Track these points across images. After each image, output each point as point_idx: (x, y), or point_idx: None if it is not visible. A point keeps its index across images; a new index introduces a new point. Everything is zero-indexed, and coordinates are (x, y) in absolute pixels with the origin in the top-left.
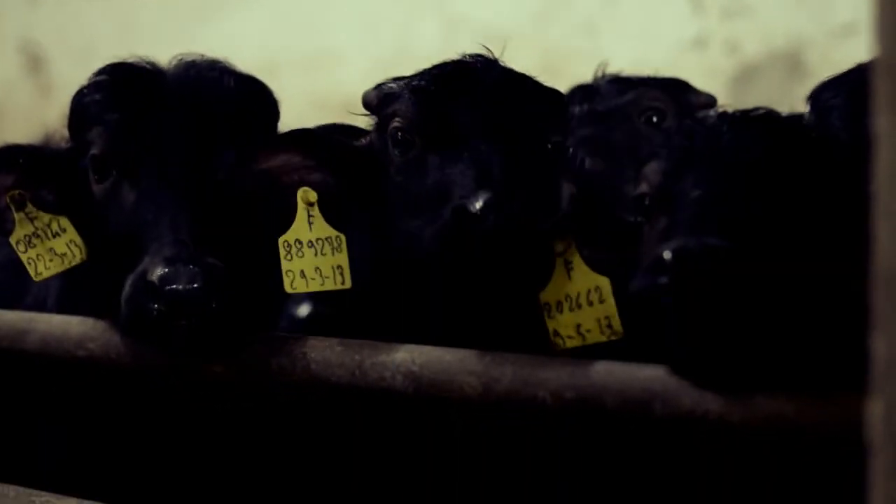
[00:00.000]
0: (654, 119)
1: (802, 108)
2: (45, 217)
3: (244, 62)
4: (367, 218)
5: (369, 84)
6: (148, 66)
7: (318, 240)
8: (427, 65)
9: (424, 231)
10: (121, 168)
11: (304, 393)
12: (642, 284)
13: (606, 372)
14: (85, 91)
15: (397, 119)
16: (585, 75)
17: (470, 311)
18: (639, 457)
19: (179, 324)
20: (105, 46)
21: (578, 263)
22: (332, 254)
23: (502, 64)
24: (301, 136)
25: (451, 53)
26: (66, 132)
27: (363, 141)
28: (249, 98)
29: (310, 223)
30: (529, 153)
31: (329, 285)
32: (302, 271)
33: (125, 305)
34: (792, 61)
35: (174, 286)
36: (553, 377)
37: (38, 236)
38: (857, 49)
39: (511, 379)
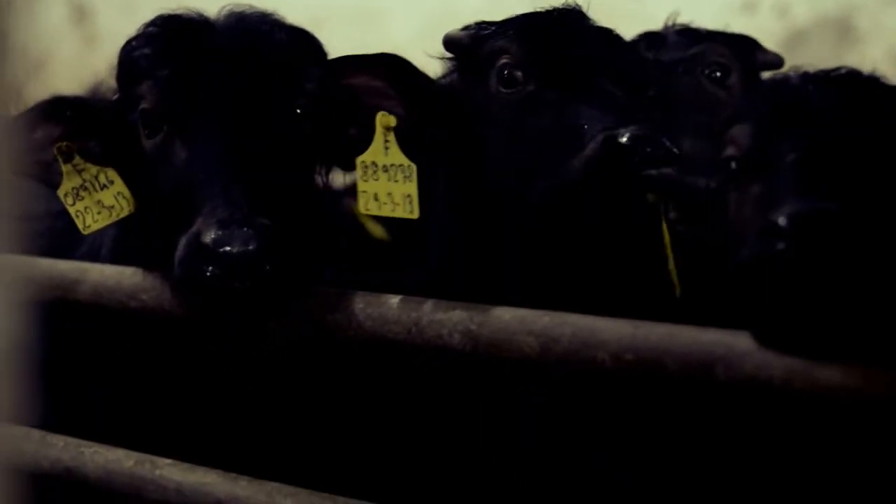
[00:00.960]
0: (718, 75)
1: None
2: (93, 169)
3: (289, 15)
4: (447, 156)
5: (415, 41)
6: (198, 17)
7: (392, 165)
8: (475, 20)
9: (550, 169)
10: (172, 123)
11: (360, 349)
12: (755, 252)
13: (668, 334)
14: (134, 43)
15: (506, 56)
16: (633, 34)
17: (587, 259)
18: (699, 424)
19: (234, 286)
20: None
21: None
22: (404, 182)
23: (588, 16)
24: (387, 61)
25: (498, 10)
26: (112, 83)
27: (444, 79)
28: (301, 51)
29: (385, 147)
30: (637, 99)
31: (399, 212)
32: (375, 194)
33: (179, 267)
34: (842, 26)
35: (228, 249)
36: (613, 339)
37: (85, 188)
38: None
39: (570, 340)
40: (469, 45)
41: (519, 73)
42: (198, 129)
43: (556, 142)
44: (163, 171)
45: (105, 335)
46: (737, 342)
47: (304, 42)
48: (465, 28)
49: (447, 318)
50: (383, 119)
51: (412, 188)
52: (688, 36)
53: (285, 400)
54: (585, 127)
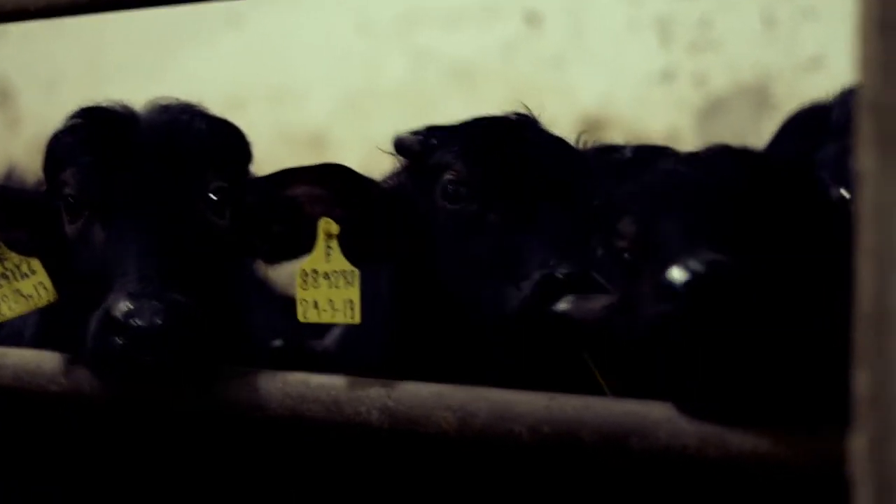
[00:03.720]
0: None
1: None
2: (16, 258)
3: (211, 97)
4: (393, 258)
5: (336, 117)
6: (121, 109)
7: (333, 272)
8: (394, 99)
9: (488, 294)
10: (92, 209)
11: (279, 428)
12: (648, 315)
13: (583, 406)
14: (59, 134)
15: (451, 172)
16: (553, 107)
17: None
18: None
19: (143, 359)
20: (72, 80)
21: None
22: (346, 287)
23: (540, 124)
24: (328, 170)
25: (419, 87)
26: (31, 165)
27: (390, 181)
28: (222, 140)
29: (327, 254)
30: (575, 217)
31: (339, 318)
32: (316, 302)
33: (91, 341)
34: (759, 94)
35: (137, 321)
36: (529, 412)
37: (5, 277)
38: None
39: (487, 414)
40: (418, 152)
41: (463, 191)
42: (115, 213)
43: (495, 268)
44: (83, 254)
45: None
46: (650, 412)
47: (224, 130)
48: (416, 133)
49: (365, 395)
50: (326, 226)
51: (354, 293)
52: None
53: (206, 481)
54: (523, 259)
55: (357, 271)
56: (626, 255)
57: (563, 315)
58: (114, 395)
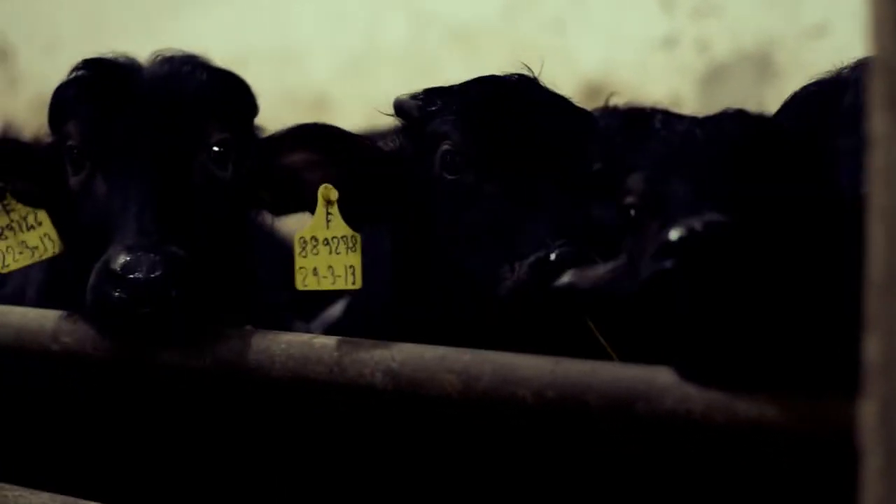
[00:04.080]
0: None
1: (773, 108)
2: (23, 210)
3: (212, 58)
4: (392, 221)
5: (336, 79)
6: (124, 61)
7: (333, 238)
8: (395, 60)
9: (486, 270)
10: (94, 160)
11: (283, 389)
12: (647, 273)
13: (589, 371)
14: (63, 86)
15: (448, 142)
16: (554, 72)
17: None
18: (625, 455)
19: (141, 311)
20: (71, 40)
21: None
22: (347, 253)
23: (542, 84)
24: (326, 133)
25: (420, 49)
26: (31, 123)
27: (389, 143)
28: (224, 91)
29: (328, 221)
30: (582, 188)
31: (340, 284)
32: (315, 269)
33: (90, 293)
34: (762, 61)
35: (135, 274)
36: (534, 376)
37: (10, 228)
38: (827, 50)
39: (491, 377)
40: (416, 118)
41: (460, 161)
42: (116, 165)
43: (491, 243)
44: (86, 207)
45: (26, 376)
46: (657, 377)
47: (227, 81)
48: (415, 97)
49: (369, 357)
50: (325, 192)
51: (355, 259)
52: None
53: (208, 440)
54: (520, 235)
55: (358, 236)
56: (632, 211)
57: (566, 287)
58: (115, 355)
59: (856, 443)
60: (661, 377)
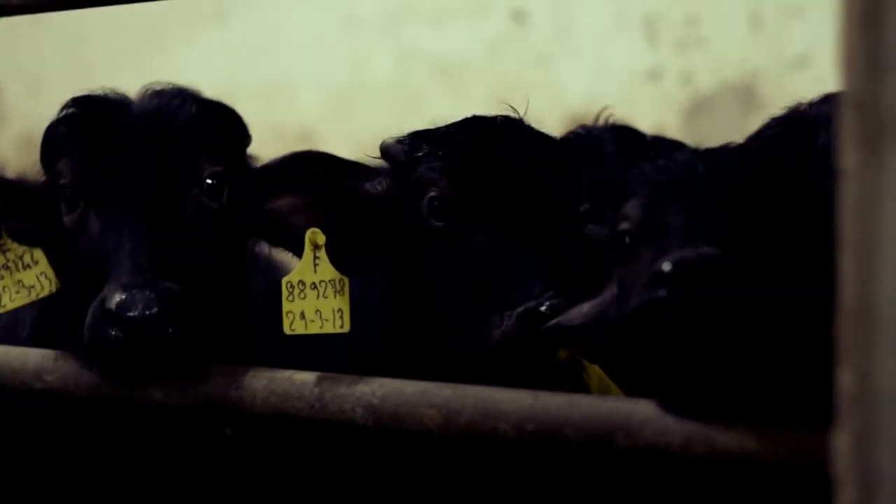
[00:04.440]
0: None
1: None
2: (19, 249)
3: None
4: (380, 266)
5: (325, 113)
6: (114, 97)
7: (321, 282)
8: (381, 95)
9: (473, 318)
10: (87, 198)
11: (265, 425)
12: (638, 302)
13: (568, 404)
14: (54, 124)
15: (435, 189)
16: (540, 106)
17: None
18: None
19: (138, 350)
20: (57, 76)
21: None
22: (335, 296)
23: (527, 124)
24: (318, 161)
25: (406, 84)
26: (16, 160)
27: (377, 185)
28: (216, 123)
29: (315, 265)
30: (570, 231)
31: (328, 328)
32: (302, 313)
33: (86, 332)
34: (745, 93)
35: (131, 313)
36: (514, 410)
37: (7, 268)
38: (811, 81)
39: (472, 411)
40: (403, 162)
41: (447, 209)
42: (110, 202)
43: (479, 291)
44: (80, 245)
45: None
46: (636, 409)
47: (218, 112)
48: (400, 141)
49: (349, 393)
50: (312, 236)
51: (343, 302)
52: (627, 138)
53: (191, 478)
54: (508, 284)
55: (346, 279)
56: (626, 238)
57: (555, 327)
58: (98, 392)
59: (832, 473)
60: (640, 409)
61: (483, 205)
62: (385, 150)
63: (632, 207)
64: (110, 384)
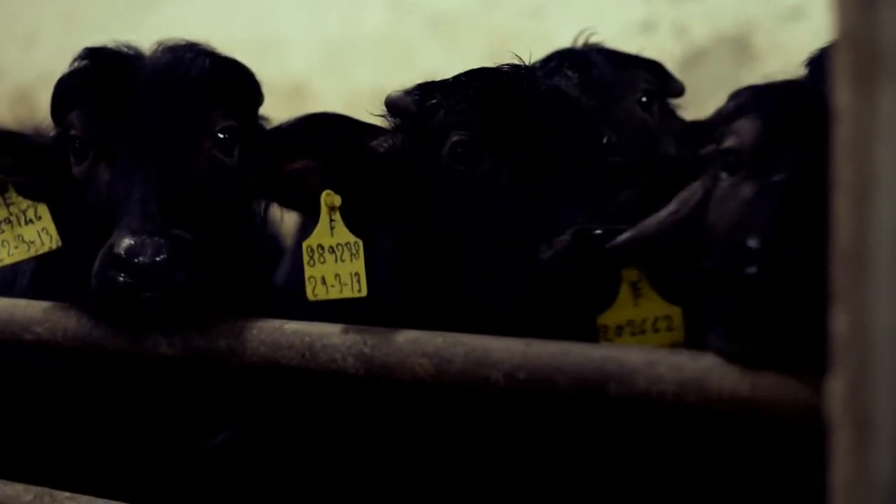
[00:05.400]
0: (645, 100)
1: None
2: (24, 203)
3: None
4: (396, 224)
5: (317, 68)
6: (126, 49)
7: (338, 245)
8: (373, 49)
9: (514, 254)
10: (96, 149)
11: (257, 374)
12: (725, 270)
13: (560, 352)
14: (66, 76)
15: (458, 132)
16: (534, 58)
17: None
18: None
19: (145, 296)
20: (49, 33)
21: (647, 290)
22: (351, 260)
23: (537, 74)
24: (326, 138)
25: (398, 37)
26: (8, 116)
27: (384, 143)
28: (228, 78)
29: (331, 228)
30: (597, 162)
31: (347, 293)
32: (323, 277)
33: (94, 279)
34: (740, 44)
35: (139, 258)
36: (506, 358)
37: (8, 222)
38: (805, 32)
39: (463, 360)
40: (415, 112)
41: (473, 150)
42: (120, 152)
43: (516, 228)
44: (89, 196)
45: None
46: (628, 357)
47: (231, 69)
48: (409, 92)
49: (340, 343)
50: (329, 199)
51: (360, 266)
52: (610, 58)
53: (183, 426)
54: (548, 216)
55: (360, 242)
56: (731, 157)
57: (623, 245)
58: (88, 342)
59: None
60: (633, 357)
61: (509, 144)
62: (393, 104)
63: (746, 127)
64: (99, 335)
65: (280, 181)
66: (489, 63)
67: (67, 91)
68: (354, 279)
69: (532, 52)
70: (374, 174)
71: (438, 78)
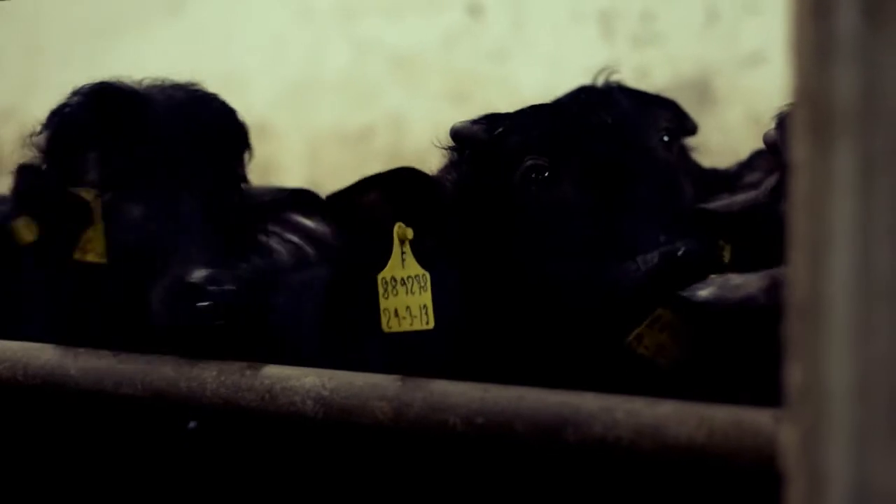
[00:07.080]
0: (667, 139)
1: (711, 134)
2: None
3: None
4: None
5: (276, 107)
6: (128, 86)
7: (408, 277)
8: (336, 88)
9: (599, 274)
10: (119, 189)
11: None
12: None
13: (518, 397)
14: (72, 114)
15: (533, 157)
16: (494, 101)
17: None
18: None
19: (216, 323)
20: (9, 67)
21: None
22: (420, 293)
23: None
24: (392, 174)
25: (361, 77)
26: None
27: (448, 175)
28: (226, 123)
29: (402, 260)
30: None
31: (416, 325)
32: (396, 310)
33: (162, 305)
34: (700, 89)
35: (214, 287)
36: (464, 403)
37: None
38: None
39: (422, 404)
40: (485, 140)
41: (551, 173)
42: (148, 192)
43: (599, 249)
44: (115, 232)
45: None
46: (585, 403)
47: (226, 112)
48: (476, 122)
49: (300, 385)
50: (401, 231)
51: (427, 298)
52: (631, 96)
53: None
54: (631, 237)
55: (428, 275)
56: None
57: (705, 304)
58: (44, 382)
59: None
60: (589, 403)
61: (586, 168)
62: (458, 133)
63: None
64: (59, 375)
65: (350, 212)
66: (452, 104)
67: (77, 129)
68: (423, 311)
69: (494, 94)
70: (440, 205)
71: (403, 118)
